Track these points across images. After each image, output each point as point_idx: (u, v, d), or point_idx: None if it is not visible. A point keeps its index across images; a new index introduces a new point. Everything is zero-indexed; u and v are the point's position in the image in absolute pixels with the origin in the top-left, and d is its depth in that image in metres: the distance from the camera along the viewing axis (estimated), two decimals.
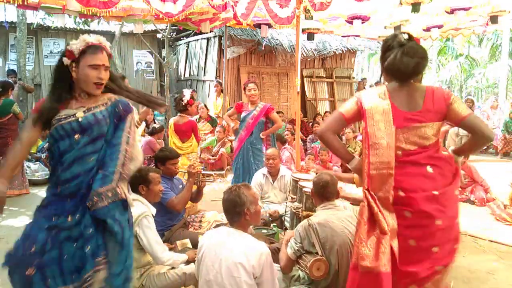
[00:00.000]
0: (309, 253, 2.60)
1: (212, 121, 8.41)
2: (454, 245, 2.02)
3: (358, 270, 1.98)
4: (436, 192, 1.93)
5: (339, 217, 2.68)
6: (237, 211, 2.30)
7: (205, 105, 8.60)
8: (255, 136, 4.96)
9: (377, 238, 1.93)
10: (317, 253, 2.57)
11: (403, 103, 1.99)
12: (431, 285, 1.99)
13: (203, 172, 3.84)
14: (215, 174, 3.95)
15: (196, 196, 3.83)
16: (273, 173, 4.52)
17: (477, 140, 2.01)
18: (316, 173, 3.59)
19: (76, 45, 2.01)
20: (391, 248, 1.92)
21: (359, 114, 2.07)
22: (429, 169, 1.97)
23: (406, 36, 2.02)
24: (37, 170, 6.87)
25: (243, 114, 5.04)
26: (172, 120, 4.98)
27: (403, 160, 1.97)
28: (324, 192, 2.80)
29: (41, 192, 6.09)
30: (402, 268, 1.94)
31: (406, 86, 2.03)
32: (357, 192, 3.85)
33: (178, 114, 4.92)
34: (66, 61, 2.01)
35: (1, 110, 5.85)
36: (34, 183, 6.36)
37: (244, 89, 5.11)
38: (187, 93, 4.91)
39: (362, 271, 1.95)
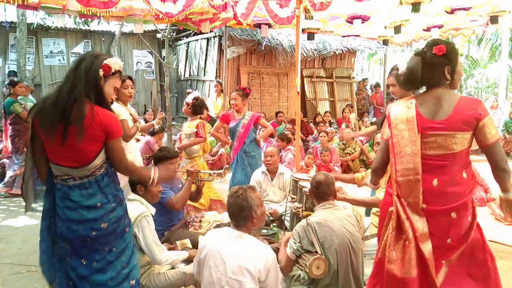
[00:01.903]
0: (308, 252, 2.60)
1: (212, 122, 8.40)
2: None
3: (383, 265, 2.08)
4: (423, 206, 1.99)
5: (338, 217, 2.69)
6: (244, 215, 2.25)
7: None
8: (248, 144, 4.86)
9: (403, 244, 2.01)
10: (316, 252, 2.57)
11: (428, 111, 2.03)
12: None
13: (202, 171, 3.83)
14: (213, 173, 3.94)
15: (196, 196, 3.82)
16: (272, 171, 4.52)
17: (493, 171, 2.02)
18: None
19: (114, 64, 2.15)
20: (421, 252, 1.97)
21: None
22: (435, 181, 1.99)
23: (424, 47, 2.07)
24: None
25: (231, 124, 4.91)
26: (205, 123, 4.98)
27: (423, 162, 2.01)
28: (318, 192, 2.81)
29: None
30: None
31: (433, 93, 2.05)
32: (360, 193, 3.86)
33: (199, 116, 4.88)
34: (101, 73, 2.11)
35: (5, 109, 5.90)
36: None
37: None
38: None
39: (387, 271, 2.04)
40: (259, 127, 5.30)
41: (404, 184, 2.03)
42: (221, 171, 3.81)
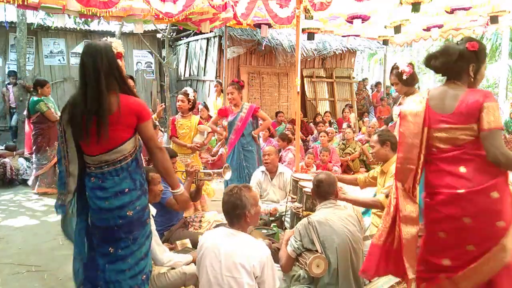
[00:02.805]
0: (309, 250, 2.61)
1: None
2: (492, 246, 1.98)
3: None
4: (461, 191, 1.99)
5: (340, 216, 2.69)
6: (237, 213, 2.27)
7: (206, 106, 8.59)
8: (246, 138, 4.85)
9: (389, 218, 2.21)
10: (316, 251, 2.57)
11: (438, 105, 2.13)
12: (459, 280, 2.04)
13: (201, 171, 3.82)
14: (213, 173, 3.92)
15: (195, 195, 3.81)
16: (271, 170, 4.52)
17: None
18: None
19: (120, 47, 2.27)
20: (400, 231, 2.12)
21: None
22: (462, 169, 2.03)
23: (456, 40, 2.18)
24: None
25: (229, 118, 4.91)
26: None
27: (438, 157, 2.12)
28: (319, 191, 2.83)
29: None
30: (431, 259, 2.13)
31: (446, 87, 2.15)
32: (361, 194, 3.86)
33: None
34: (120, 63, 2.21)
35: (29, 108, 5.94)
36: None
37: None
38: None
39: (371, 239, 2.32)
40: (260, 121, 5.27)
41: (400, 170, 2.20)
42: (221, 170, 3.79)
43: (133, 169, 2.23)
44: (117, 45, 2.20)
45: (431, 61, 2.20)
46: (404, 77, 3.80)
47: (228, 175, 3.78)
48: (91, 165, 2.21)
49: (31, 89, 8.59)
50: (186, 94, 4.69)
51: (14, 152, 7.08)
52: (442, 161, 2.09)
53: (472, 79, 2.14)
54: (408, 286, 2.16)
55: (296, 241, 2.67)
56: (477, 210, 1.98)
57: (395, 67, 3.91)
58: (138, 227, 2.24)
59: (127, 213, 2.17)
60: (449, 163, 2.07)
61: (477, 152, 2.01)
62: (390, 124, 4.34)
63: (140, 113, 2.19)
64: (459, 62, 2.11)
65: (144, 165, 4.15)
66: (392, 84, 4.10)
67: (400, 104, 4.12)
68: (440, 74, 2.21)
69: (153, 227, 2.74)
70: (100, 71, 2.09)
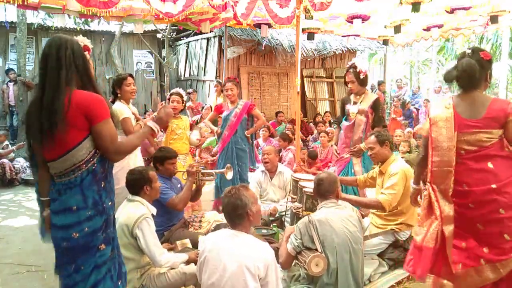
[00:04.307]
0: (308, 249, 2.61)
1: (214, 122, 8.36)
2: None
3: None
4: (494, 186, 2.24)
5: (340, 216, 2.69)
6: (239, 213, 2.25)
7: (211, 107, 8.58)
8: (240, 136, 4.76)
9: (431, 221, 2.37)
10: (316, 249, 2.57)
11: (465, 111, 2.32)
12: (501, 267, 2.23)
13: (203, 171, 3.82)
14: (215, 173, 3.91)
15: (195, 195, 3.81)
16: (270, 170, 4.51)
17: None
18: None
19: (85, 41, 2.21)
20: (442, 231, 2.30)
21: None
22: (490, 164, 2.27)
23: (469, 51, 2.35)
24: None
25: (224, 114, 4.85)
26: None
27: (466, 157, 2.31)
28: (319, 189, 2.85)
29: None
30: (473, 249, 2.29)
31: (469, 96, 2.34)
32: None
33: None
34: (88, 56, 2.12)
35: None
36: (33, 184, 6.36)
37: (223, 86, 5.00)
38: None
39: (414, 240, 2.45)
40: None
41: (437, 173, 2.34)
42: (223, 170, 3.79)
43: (86, 184, 1.92)
44: (83, 39, 2.20)
45: (453, 79, 2.36)
46: (361, 76, 4.01)
47: (230, 175, 3.77)
48: (54, 174, 1.98)
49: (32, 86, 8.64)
50: (181, 95, 4.61)
51: (14, 148, 7.06)
52: (471, 160, 2.29)
53: (486, 84, 2.36)
54: (454, 280, 2.30)
55: (296, 239, 2.67)
56: (508, 201, 2.23)
57: (353, 66, 4.06)
58: (85, 254, 1.93)
59: (72, 235, 1.90)
60: (477, 161, 2.29)
61: (499, 152, 2.28)
62: (346, 124, 4.26)
63: (90, 112, 1.87)
64: (480, 72, 2.31)
65: (144, 165, 4.19)
66: (347, 83, 4.17)
67: (354, 103, 4.12)
68: (462, 87, 2.37)
69: (153, 228, 2.74)
70: (62, 62, 1.88)
